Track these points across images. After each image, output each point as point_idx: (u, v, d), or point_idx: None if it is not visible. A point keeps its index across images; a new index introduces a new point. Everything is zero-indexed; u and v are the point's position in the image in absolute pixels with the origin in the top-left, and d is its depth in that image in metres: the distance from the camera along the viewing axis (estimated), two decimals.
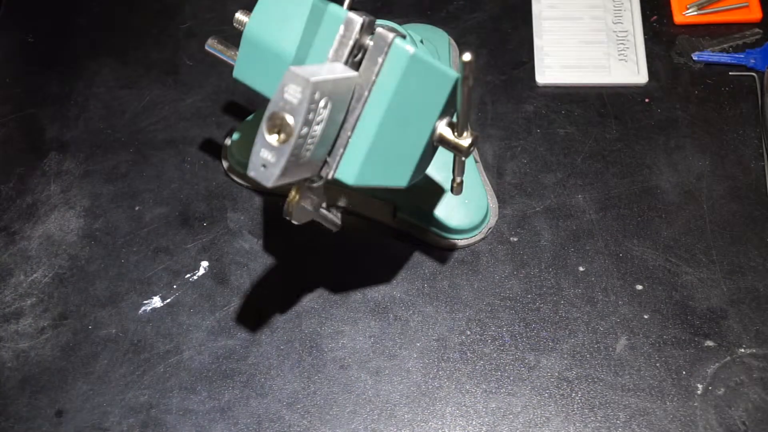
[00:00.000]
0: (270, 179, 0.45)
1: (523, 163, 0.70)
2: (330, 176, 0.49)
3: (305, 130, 0.45)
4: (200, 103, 0.74)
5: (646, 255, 0.65)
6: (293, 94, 0.44)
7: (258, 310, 0.64)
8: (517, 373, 0.61)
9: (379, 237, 0.67)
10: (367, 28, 0.49)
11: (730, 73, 0.73)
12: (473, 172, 0.66)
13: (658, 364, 0.61)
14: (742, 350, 0.61)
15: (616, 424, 0.59)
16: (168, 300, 0.65)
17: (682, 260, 0.65)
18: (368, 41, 0.49)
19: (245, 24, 0.53)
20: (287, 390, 0.61)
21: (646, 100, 0.72)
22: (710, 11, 0.76)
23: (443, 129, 0.51)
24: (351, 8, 0.52)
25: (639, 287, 0.64)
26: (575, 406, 0.60)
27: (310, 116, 0.45)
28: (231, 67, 0.55)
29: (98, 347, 0.63)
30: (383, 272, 0.65)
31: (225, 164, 0.70)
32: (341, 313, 0.64)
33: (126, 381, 0.62)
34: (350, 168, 0.49)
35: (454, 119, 0.52)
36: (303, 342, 0.63)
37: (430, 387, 0.61)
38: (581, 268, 0.65)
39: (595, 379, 0.60)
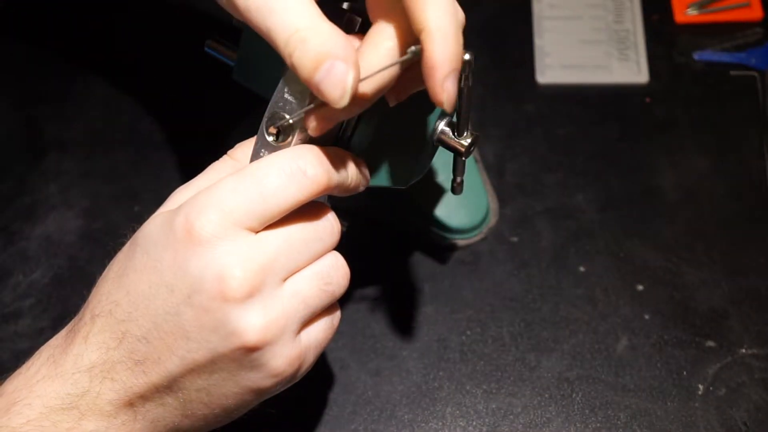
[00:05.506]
0: None
1: (524, 163, 0.69)
2: None
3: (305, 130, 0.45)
4: (200, 102, 0.74)
5: (646, 255, 0.65)
6: (293, 94, 0.44)
7: None
8: (517, 373, 0.61)
9: (379, 237, 0.67)
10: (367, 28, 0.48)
11: (731, 73, 0.73)
12: (473, 172, 0.66)
13: (659, 365, 0.60)
14: (744, 351, 0.61)
15: (616, 425, 0.58)
16: None
17: (682, 260, 0.64)
18: None
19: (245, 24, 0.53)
20: (287, 390, 0.61)
21: (647, 100, 0.72)
22: (711, 10, 0.75)
23: (443, 129, 0.51)
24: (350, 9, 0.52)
25: (640, 287, 0.63)
26: (576, 406, 0.59)
27: None
28: (230, 68, 0.55)
29: None
30: (383, 272, 0.65)
31: None
32: (341, 313, 0.64)
33: None
34: None
35: (454, 119, 0.51)
36: None
37: (431, 387, 0.61)
38: (582, 268, 0.65)
39: (596, 380, 0.60)
